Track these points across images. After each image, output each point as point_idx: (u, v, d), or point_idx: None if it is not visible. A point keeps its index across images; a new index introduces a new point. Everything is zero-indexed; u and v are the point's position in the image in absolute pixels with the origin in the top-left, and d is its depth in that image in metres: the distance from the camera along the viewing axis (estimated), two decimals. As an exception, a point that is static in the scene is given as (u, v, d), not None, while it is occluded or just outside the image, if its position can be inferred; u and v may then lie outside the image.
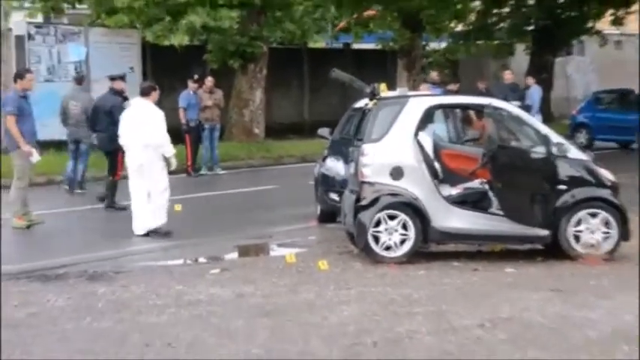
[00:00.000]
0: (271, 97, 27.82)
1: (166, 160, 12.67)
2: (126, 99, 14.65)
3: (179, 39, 23.35)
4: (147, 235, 12.56)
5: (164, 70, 25.63)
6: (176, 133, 18.07)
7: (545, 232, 10.59)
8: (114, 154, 14.77)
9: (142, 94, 12.86)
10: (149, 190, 12.59)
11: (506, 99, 14.05)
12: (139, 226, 12.62)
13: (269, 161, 22.84)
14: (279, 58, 28.08)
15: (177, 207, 14.27)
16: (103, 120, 15.00)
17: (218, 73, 23.49)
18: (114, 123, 13.89)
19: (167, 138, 12.62)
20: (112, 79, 15.57)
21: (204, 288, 9.14)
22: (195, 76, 21.00)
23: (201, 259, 11.18)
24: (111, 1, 23.81)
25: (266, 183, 18.05)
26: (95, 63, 23.34)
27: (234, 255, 11.60)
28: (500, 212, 10.67)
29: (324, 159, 13.73)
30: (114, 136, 13.61)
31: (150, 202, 12.59)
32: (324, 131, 14.43)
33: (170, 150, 12.66)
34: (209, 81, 20.96)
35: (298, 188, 15.59)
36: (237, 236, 12.65)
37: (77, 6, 26.29)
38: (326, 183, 13.33)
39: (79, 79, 17.86)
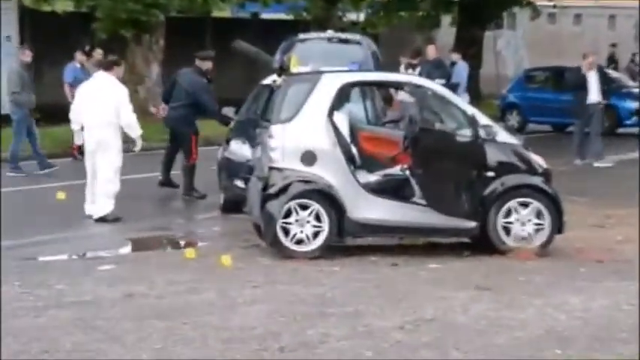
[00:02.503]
0: (169, 72, 27.47)
1: (131, 140, 13.16)
2: (209, 81, 15.07)
3: (62, 4, 22.97)
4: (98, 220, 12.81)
5: (46, 40, 25.07)
6: (60, 112, 17.81)
7: (472, 224, 10.66)
8: (187, 136, 15.00)
9: (103, 68, 13.33)
10: (100, 171, 12.90)
11: (429, 76, 14.17)
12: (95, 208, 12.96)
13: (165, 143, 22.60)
14: (178, 29, 27.77)
15: (61, 194, 14.06)
16: (181, 97, 14.99)
17: (108, 45, 23.13)
18: (192, 105, 14.73)
19: (134, 116, 12.96)
20: (202, 58, 15.38)
21: (90, 287, 9.00)
22: (87, 47, 20.66)
23: (88, 254, 10.98)
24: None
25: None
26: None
27: (126, 249, 11.48)
28: (423, 202, 10.71)
29: (228, 142, 13.67)
30: (190, 118, 14.84)
31: (97, 185, 12.90)
32: (228, 110, 14.35)
33: (137, 130, 13.03)
34: (98, 53, 20.61)
35: (200, 174, 15.42)
36: (130, 227, 12.53)
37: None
38: (230, 169, 13.29)
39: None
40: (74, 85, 19.95)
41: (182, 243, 11.86)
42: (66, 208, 13.51)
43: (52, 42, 24.69)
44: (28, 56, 18.47)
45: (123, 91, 13.06)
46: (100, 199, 12.87)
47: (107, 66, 13.30)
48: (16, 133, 17.82)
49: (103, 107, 12.86)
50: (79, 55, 20.38)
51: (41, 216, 13.48)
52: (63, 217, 13.10)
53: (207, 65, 15.15)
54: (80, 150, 19.63)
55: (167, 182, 15.37)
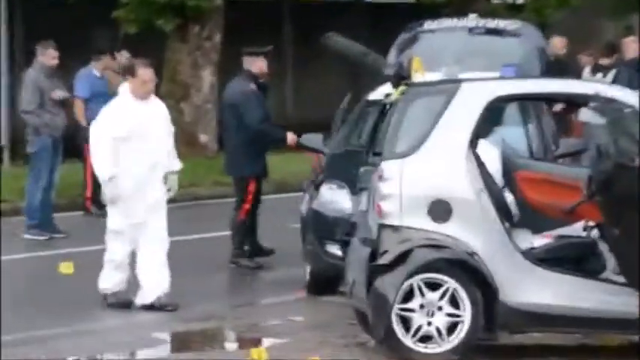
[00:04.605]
0: (228, 82, 27.84)
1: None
2: (263, 87, 15.44)
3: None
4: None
5: (46, 36, 25.58)
6: (66, 141, 18.07)
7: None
8: (239, 178, 15.62)
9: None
10: None
11: (629, 84, 14.07)
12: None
13: (225, 190, 22.74)
14: (241, 17, 28.15)
15: (67, 266, 14.20)
16: (228, 124, 15.74)
17: (138, 42, 23.49)
18: (242, 130, 15.09)
19: (99, 150, 12.95)
20: (249, 54, 15.81)
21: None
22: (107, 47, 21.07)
23: (108, 357, 11.17)
24: None
25: (220, 227, 17.99)
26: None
27: (166, 347, 11.71)
28: (620, 279, 10.62)
29: (317, 187, 13.75)
30: (240, 151, 15.30)
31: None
32: (313, 139, 14.44)
33: (102, 174, 13.01)
34: (122, 55, 20.95)
35: (274, 235, 15.61)
36: (173, 316, 12.68)
37: None
38: (320, 227, 13.43)
39: None
40: (90, 100, 20.23)
41: (247, 339, 11.91)
42: (75, 286, 13.61)
43: (56, 39, 25.16)
44: (51, 58, 18.46)
45: (104, 113, 13.19)
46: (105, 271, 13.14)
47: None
48: (32, 174, 17.89)
49: None
50: (96, 59, 20.70)
51: (44, 298, 13.67)
52: (73, 301, 13.25)
53: (258, 65, 15.50)
54: (95, 200, 19.98)
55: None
